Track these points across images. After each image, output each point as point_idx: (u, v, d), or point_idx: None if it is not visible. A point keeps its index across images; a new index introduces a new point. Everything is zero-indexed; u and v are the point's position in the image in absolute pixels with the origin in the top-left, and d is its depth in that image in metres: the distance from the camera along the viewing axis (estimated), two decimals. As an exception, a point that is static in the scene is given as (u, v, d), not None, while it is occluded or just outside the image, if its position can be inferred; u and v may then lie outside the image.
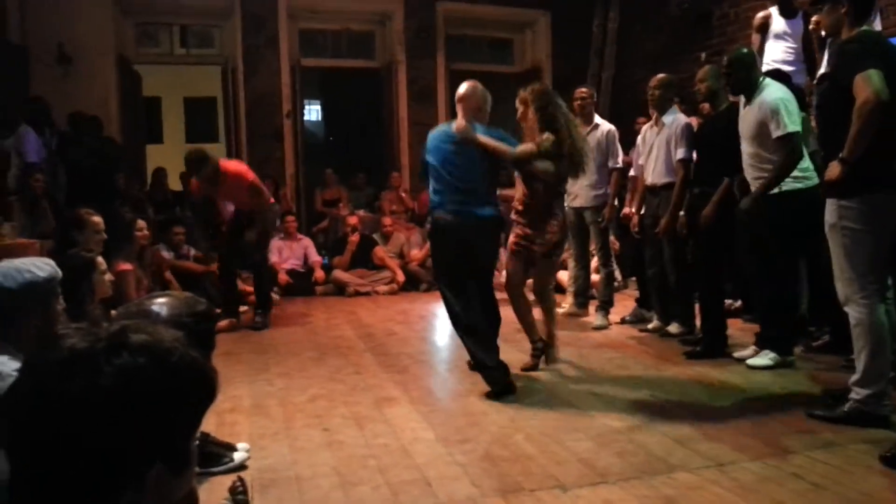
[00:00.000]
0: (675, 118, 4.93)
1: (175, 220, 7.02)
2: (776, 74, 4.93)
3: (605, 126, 5.57)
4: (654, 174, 5.02)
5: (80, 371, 0.86)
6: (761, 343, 4.22)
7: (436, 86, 9.48)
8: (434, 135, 4.12)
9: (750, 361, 4.11)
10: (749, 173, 4.08)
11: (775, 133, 3.84)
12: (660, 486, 2.58)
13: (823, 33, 3.57)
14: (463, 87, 4.11)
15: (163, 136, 16.02)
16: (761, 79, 4.06)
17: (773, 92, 3.95)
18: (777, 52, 5.67)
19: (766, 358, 4.06)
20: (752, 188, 4.09)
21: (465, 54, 10.09)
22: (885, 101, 2.88)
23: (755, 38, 5.88)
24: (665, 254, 4.97)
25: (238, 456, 2.84)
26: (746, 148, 4.04)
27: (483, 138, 3.90)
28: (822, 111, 3.41)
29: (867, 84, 2.91)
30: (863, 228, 3.03)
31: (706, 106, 5.19)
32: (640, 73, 8.80)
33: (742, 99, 4.12)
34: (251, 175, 5.69)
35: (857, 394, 3.15)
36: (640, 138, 5.27)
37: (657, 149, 4.98)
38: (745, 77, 4.05)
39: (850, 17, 3.10)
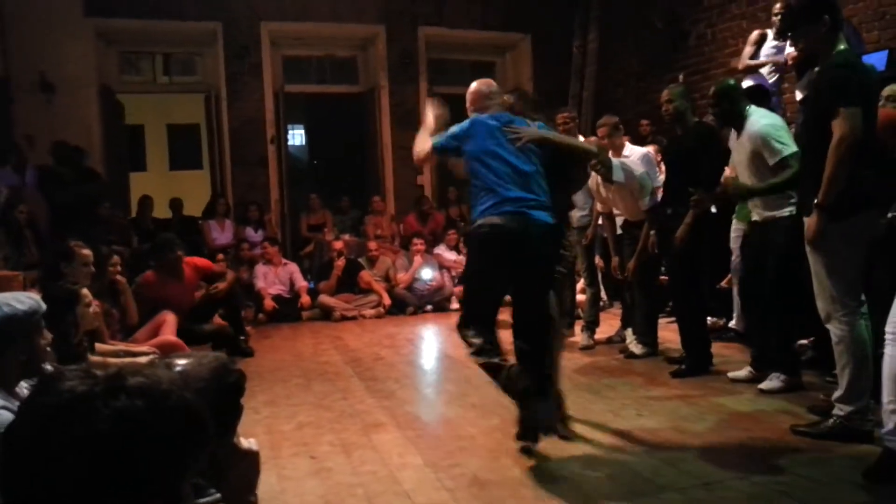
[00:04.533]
0: (630, 154, 5.07)
1: (162, 242, 6.97)
2: (756, 91, 5.03)
3: None
4: (625, 211, 5.11)
5: (79, 415, 0.87)
6: (764, 366, 4.16)
7: (419, 109, 9.54)
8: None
9: (761, 386, 4.03)
10: (757, 205, 4.09)
11: (771, 161, 3.84)
12: (648, 507, 2.59)
13: (794, 57, 3.62)
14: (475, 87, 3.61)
15: (146, 164, 16.01)
16: (747, 108, 4.06)
17: (758, 120, 3.97)
18: (762, 71, 5.83)
19: (776, 381, 4.01)
20: (755, 216, 4.13)
21: (448, 78, 10.17)
22: (860, 140, 2.93)
23: (748, 49, 5.99)
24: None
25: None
26: (745, 178, 4.04)
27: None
28: (804, 135, 3.45)
29: (846, 122, 2.95)
30: (843, 248, 3.08)
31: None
32: (620, 92, 8.94)
33: (733, 131, 4.15)
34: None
35: (840, 410, 3.17)
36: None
37: (619, 189, 5.04)
38: (730, 109, 4.05)
39: (829, 33, 3.13)
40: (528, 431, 3.21)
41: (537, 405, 3.15)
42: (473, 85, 3.60)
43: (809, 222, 3.12)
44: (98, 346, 3.97)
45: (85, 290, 3.55)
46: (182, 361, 1.62)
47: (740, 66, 6.04)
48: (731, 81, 4.36)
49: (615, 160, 4.89)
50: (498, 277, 3.24)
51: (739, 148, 4.05)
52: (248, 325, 6.56)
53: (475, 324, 3.21)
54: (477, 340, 3.17)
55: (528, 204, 3.17)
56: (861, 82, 3.04)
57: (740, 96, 4.14)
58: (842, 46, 3.14)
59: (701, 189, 4.20)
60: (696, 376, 4.40)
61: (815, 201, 3.04)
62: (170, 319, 5.10)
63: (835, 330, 3.16)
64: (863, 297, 3.20)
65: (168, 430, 0.91)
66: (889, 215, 3.53)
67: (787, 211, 3.90)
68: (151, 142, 16.43)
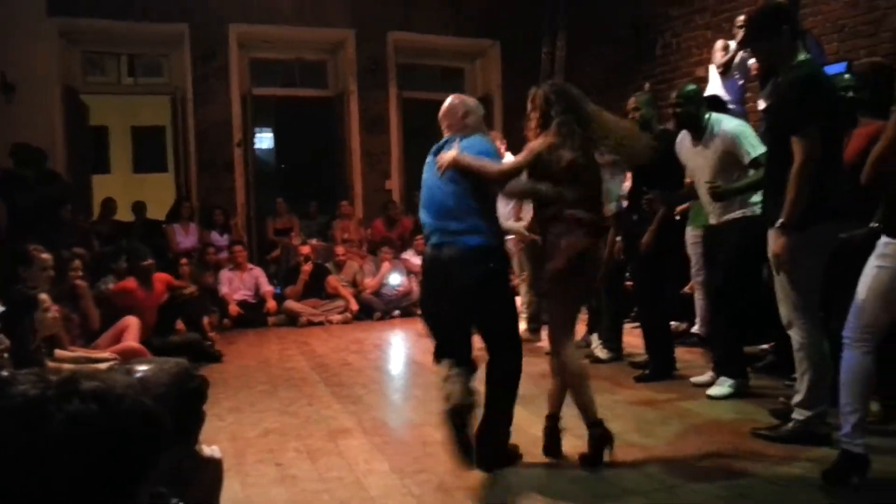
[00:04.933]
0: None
1: (130, 249, 6.86)
2: (713, 100, 5.12)
3: None
4: None
5: (31, 418, 0.86)
6: (718, 371, 4.22)
7: (388, 115, 9.54)
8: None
9: (710, 392, 4.09)
10: (714, 208, 4.14)
11: (746, 158, 3.89)
12: (612, 511, 2.62)
13: (758, 68, 3.69)
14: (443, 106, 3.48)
15: (109, 167, 15.75)
16: (707, 115, 4.13)
17: (729, 122, 4.06)
18: (721, 83, 5.93)
19: (725, 386, 4.07)
20: (712, 219, 4.19)
21: (417, 83, 10.19)
22: (818, 158, 2.99)
23: (719, 54, 6.06)
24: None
25: (187, 495, 2.78)
26: (707, 174, 4.06)
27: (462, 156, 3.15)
28: (766, 144, 3.52)
29: (805, 146, 3.01)
30: (805, 257, 3.14)
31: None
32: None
33: (689, 136, 4.21)
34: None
35: (800, 414, 3.24)
36: None
37: None
38: (694, 113, 4.12)
39: (789, 43, 3.19)
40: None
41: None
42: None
43: (774, 237, 3.17)
44: (57, 352, 3.90)
45: (44, 295, 3.49)
46: (142, 367, 1.60)
47: (717, 65, 6.10)
48: (696, 86, 4.44)
49: None
50: (442, 309, 3.17)
51: (702, 152, 4.10)
52: (213, 330, 6.48)
53: (445, 358, 3.10)
54: (449, 389, 2.98)
55: (452, 231, 3.09)
56: (821, 96, 3.10)
57: (703, 102, 4.23)
58: (802, 56, 3.21)
59: (656, 191, 4.26)
60: (660, 381, 4.45)
61: (781, 220, 3.10)
62: (133, 325, 5.02)
63: (796, 337, 3.22)
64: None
65: (123, 434, 0.91)
66: (869, 225, 3.59)
67: (739, 213, 3.97)
68: (115, 144, 16.18)
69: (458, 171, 3.11)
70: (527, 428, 3.64)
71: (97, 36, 8.67)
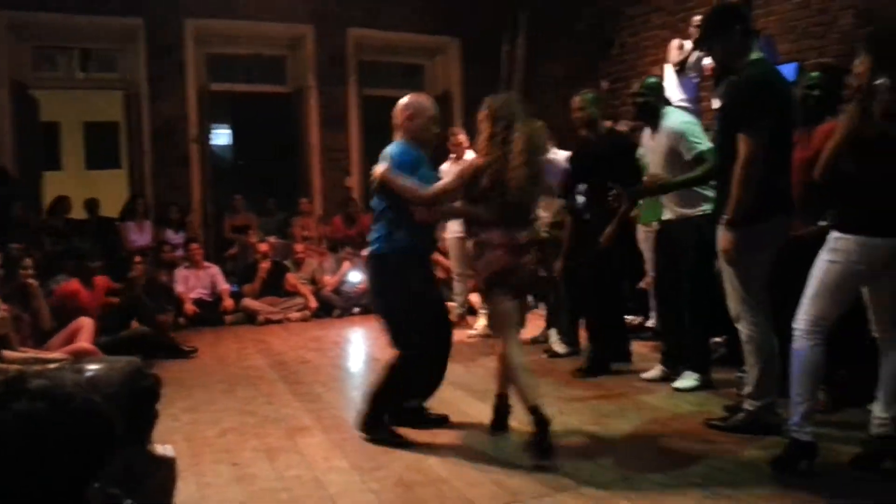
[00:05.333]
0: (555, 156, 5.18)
1: (74, 249, 6.73)
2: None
3: None
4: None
5: None
6: (674, 364, 4.29)
7: (348, 111, 9.49)
8: None
9: (676, 385, 4.15)
10: (669, 204, 4.21)
11: (688, 156, 3.97)
12: (569, 502, 2.66)
13: (713, 67, 3.77)
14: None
15: (61, 163, 15.40)
16: (664, 108, 4.23)
17: (677, 117, 4.15)
18: (678, 83, 6.04)
19: (690, 379, 4.13)
20: (668, 214, 4.26)
21: (377, 80, 10.15)
22: (762, 158, 3.07)
23: (675, 52, 6.14)
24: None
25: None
26: (663, 171, 4.12)
27: (392, 177, 3.39)
28: (718, 143, 3.59)
29: (748, 145, 3.09)
30: (752, 252, 3.22)
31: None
32: (547, 98, 9.10)
33: (647, 130, 4.28)
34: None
35: (750, 405, 3.33)
36: None
37: None
38: (655, 104, 4.20)
39: (741, 43, 3.26)
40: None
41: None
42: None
43: (721, 233, 3.24)
44: (5, 353, 3.80)
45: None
46: (93, 366, 1.57)
47: (672, 63, 6.19)
48: (658, 79, 4.50)
49: None
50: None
51: (655, 146, 4.18)
52: (169, 330, 6.37)
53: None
54: None
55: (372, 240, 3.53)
56: (773, 95, 3.17)
57: (663, 94, 4.30)
58: (755, 56, 3.28)
59: (619, 186, 4.33)
60: (596, 376, 4.54)
61: (727, 218, 3.17)
62: (86, 326, 4.93)
63: (744, 329, 3.30)
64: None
65: (72, 432, 0.90)
66: (819, 223, 3.69)
67: (700, 210, 4.05)
68: (67, 140, 15.83)
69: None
70: (488, 422, 3.66)
71: (48, 30, 8.44)
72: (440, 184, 3.49)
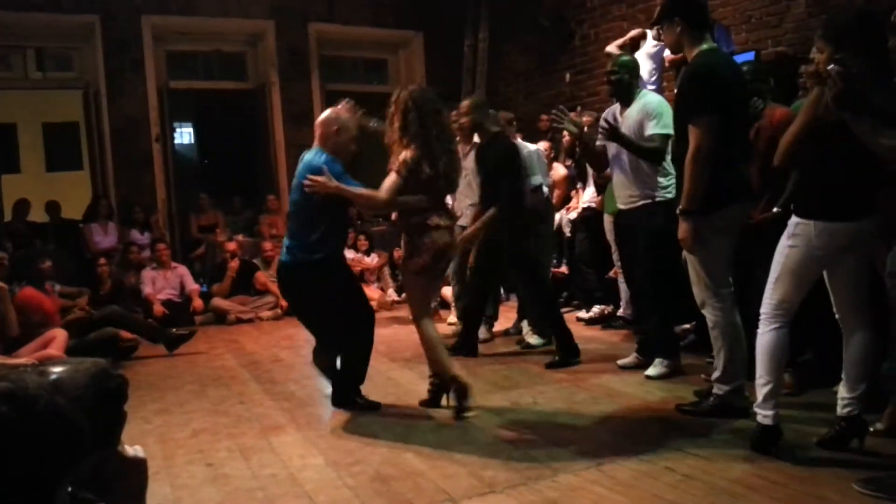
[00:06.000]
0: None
1: (37, 254, 6.60)
2: None
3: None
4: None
5: None
6: (650, 353, 4.32)
7: (312, 107, 9.42)
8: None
9: (647, 373, 4.19)
10: (622, 191, 4.26)
11: (649, 130, 4.02)
12: (545, 490, 2.68)
13: (668, 52, 3.82)
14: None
15: (20, 166, 15.05)
16: (638, 89, 4.27)
17: (655, 97, 4.21)
18: (643, 69, 6.07)
19: (661, 367, 4.18)
20: (620, 204, 4.31)
21: (341, 75, 10.10)
22: (713, 147, 3.15)
23: (620, 40, 6.13)
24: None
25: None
26: (624, 159, 4.18)
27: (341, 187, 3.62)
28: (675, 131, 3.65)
29: (698, 134, 3.17)
30: (713, 239, 3.28)
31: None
32: (511, 91, 9.14)
33: (618, 106, 4.30)
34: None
35: (719, 389, 3.40)
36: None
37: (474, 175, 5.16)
38: (628, 82, 4.22)
39: (687, 34, 3.35)
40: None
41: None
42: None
43: (680, 225, 3.30)
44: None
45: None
46: (57, 369, 1.53)
47: (606, 49, 6.19)
48: (632, 57, 4.52)
49: None
50: None
51: (622, 122, 4.20)
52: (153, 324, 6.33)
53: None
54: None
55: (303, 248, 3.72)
56: (721, 84, 3.22)
57: (638, 72, 4.34)
58: (705, 46, 3.34)
59: (503, 198, 4.62)
60: (568, 366, 4.60)
61: (682, 208, 3.23)
62: (60, 337, 4.87)
63: (710, 315, 3.38)
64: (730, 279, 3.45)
65: (36, 436, 0.88)
66: (774, 209, 3.77)
67: (650, 198, 4.11)
68: (25, 142, 15.46)
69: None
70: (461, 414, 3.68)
71: (1, 28, 8.23)
72: (388, 185, 3.60)
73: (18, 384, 0.92)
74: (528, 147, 5.60)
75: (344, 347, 3.92)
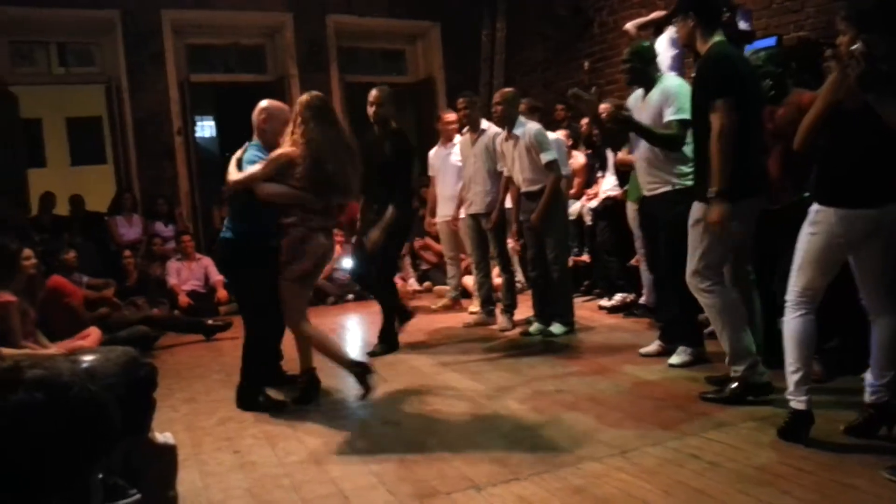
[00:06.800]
0: (525, 129, 5.14)
1: (61, 246, 6.69)
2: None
3: (491, 130, 5.65)
4: (525, 182, 5.19)
5: None
6: (672, 340, 4.31)
7: (330, 98, 9.41)
8: None
9: (671, 361, 4.17)
10: (644, 178, 4.23)
11: (668, 116, 3.96)
12: (569, 478, 2.68)
13: (681, 43, 3.81)
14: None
15: (45, 160, 15.21)
16: (658, 74, 4.21)
17: (675, 81, 4.15)
18: (665, 55, 6.00)
19: (684, 355, 4.16)
20: (644, 191, 4.29)
21: (359, 66, 10.10)
22: (735, 126, 3.17)
23: (642, 20, 6.04)
24: (547, 254, 5.17)
25: (145, 486, 2.75)
26: (644, 144, 4.14)
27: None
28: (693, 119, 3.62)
29: (721, 114, 3.19)
30: (733, 227, 3.28)
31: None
32: (528, 79, 9.09)
33: (640, 92, 4.25)
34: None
35: (735, 371, 3.41)
36: (500, 149, 5.44)
37: (519, 160, 5.16)
38: (642, 69, 4.17)
39: (700, 28, 3.39)
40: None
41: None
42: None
43: (712, 208, 3.28)
44: (2, 350, 3.78)
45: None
46: (88, 357, 1.56)
47: (625, 27, 6.10)
48: (646, 43, 4.46)
49: None
50: None
51: (644, 107, 4.16)
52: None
53: None
54: None
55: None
56: (737, 73, 3.25)
57: (653, 59, 4.26)
58: (717, 38, 3.37)
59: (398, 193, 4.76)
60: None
61: (714, 190, 3.22)
62: (94, 335, 4.94)
63: (703, 300, 3.44)
64: (749, 267, 3.44)
65: (71, 422, 0.89)
66: (795, 198, 3.73)
67: (669, 186, 4.08)
68: (50, 136, 15.60)
69: None
70: (486, 402, 3.70)
71: (24, 24, 8.30)
72: (253, 167, 3.72)
73: (53, 371, 0.93)
74: (550, 136, 5.58)
75: (253, 334, 3.92)
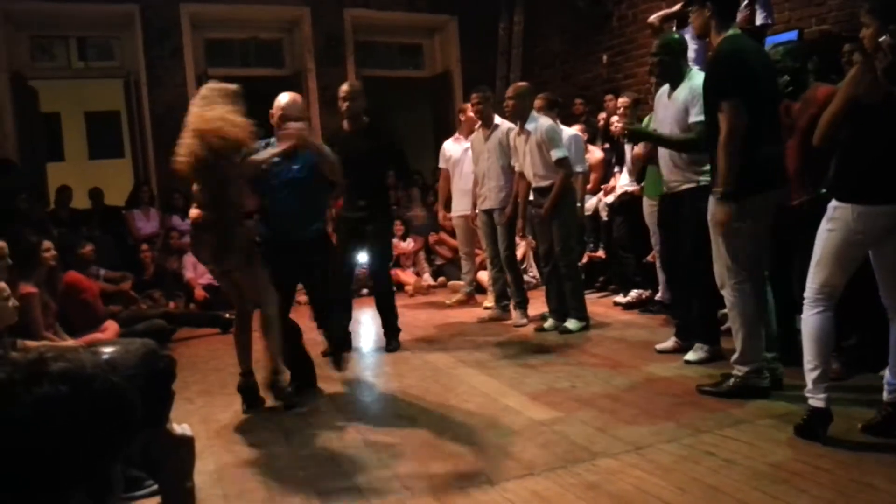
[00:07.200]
0: (537, 124, 5.11)
1: (77, 240, 6.75)
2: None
3: (504, 126, 5.63)
4: (536, 178, 5.17)
5: None
6: (688, 336, 4.28)
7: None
8: None
9: (687, 357, 4.14)
10: (666, 175, 4.19)
11: (693, 117, 3.91)
12: (584, 474, 2.68)
13: (695, 34, 3.78)
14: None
15: (64, 154, 15.37)
16: (688, 69, 4.12)
17: (700, 80, 4.10)
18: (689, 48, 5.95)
19: (701, 352, 4.13)
20: (665, 188, 4.26)
21: (376, 60, 10.11)
22: (742, 128, 3.16)
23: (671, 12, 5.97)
24: (555, 250, 5.16)
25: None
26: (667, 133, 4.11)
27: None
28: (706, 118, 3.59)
29: (728, 116, 3.17)
30: (745, 224, 3.26)
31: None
32: (546, 73, 9.05)
33: (667, 88, 4.18)
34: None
35: (738, 370, 3.41)
36: (513, 144, 5.41)
37: (531, 155, 5.14)
38: (672, 62, 4.08)
39: (716, 19, 3.35)
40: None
41: None
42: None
43: (714, 205, 3.27)
44: (23, 342, 3.83)
45: (2, 284, 3.42)
46: (108, 349, 1.57)
47: (649, 19, 6.04)
48: (676, 35, 4.36)
49: None
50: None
51: (670, 104, 4.11)
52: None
53: None
54: None
55: None
56: (747, 67, 3.22)
57: (683, 52, 4.17)
58: (731, 32, 3.34)
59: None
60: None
61: (719, 191, 3.23)
62: (112, 329, 4.99)
63: (728, 296, 3.40)
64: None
65: (94, 415, 0.90)
66: (812, 194, 3.69)
67: (693, 183, 4.04)
68: (69, 130, 15.76)
69: None
70: (500, 398, 3.70)
71: (44, 19, 8.39)
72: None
73: (76, 363, 0.94)
74: (567, 131, 5.56)
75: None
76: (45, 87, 9.32)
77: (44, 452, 0.86)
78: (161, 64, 8.55)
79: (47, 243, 4.65)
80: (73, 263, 5.73)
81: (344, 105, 4.96)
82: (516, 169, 5.41)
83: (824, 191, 3.64)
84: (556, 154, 4.98)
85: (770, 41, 4.91)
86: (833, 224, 2.78)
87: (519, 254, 6.17)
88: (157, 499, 2.28)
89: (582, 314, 5.24)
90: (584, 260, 6.60)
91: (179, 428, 1.81)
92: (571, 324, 5.20)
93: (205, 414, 3.76)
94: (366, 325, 6.54)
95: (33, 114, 8.73)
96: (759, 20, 5.02)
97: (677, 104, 4.06)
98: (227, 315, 6.21)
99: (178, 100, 8.63)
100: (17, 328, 3.87)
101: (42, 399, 0.87)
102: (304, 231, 3.94)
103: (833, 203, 2.80)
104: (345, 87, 4.99)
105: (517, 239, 5.77)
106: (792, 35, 5.51)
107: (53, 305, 4.59)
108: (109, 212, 8.45)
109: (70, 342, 4.21)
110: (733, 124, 3.16)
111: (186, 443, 1.79)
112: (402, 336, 5.23)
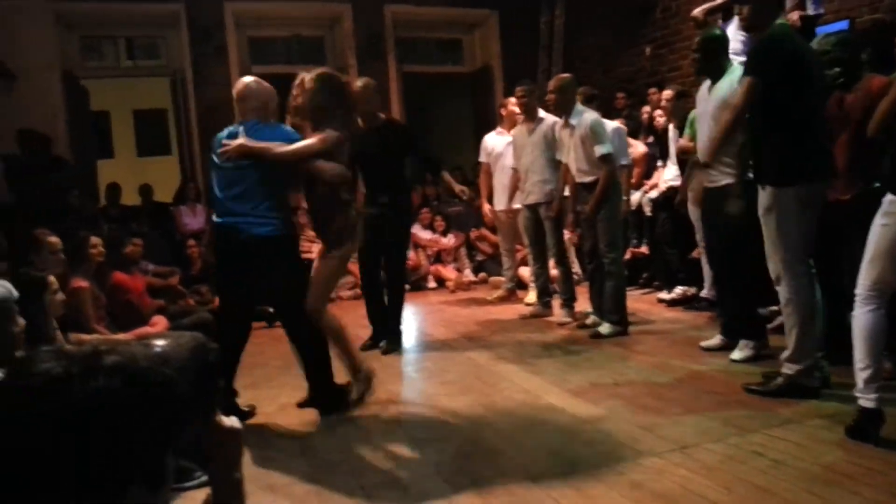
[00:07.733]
0: (582, 118, 5.05)
1: (121, 239, 6.88)
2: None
3: (549, 119, 5.59)
4: (579, 173, 5.12)
5: (55, 397, 0.86)
6: (734, 334, 4.21)
7: (389, 89, 9.49)
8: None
9: (733, 356, 4.07)
10: (713, 170, 4.11)
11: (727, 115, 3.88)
12: (628, 472, 2.65)
13: (742, 27, 3.73)
14: (237, 88, 3.96)
15: (113, 151, 15.75)
16: (728, 63, 4.07)
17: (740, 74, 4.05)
18: (735, 40, 5.83)
19: (746, 349, 4.06)
20: (707, 183, 4.20)
21: (416, 56, 10.13)
22: (746, 109, 3.23)
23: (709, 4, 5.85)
24: (600, 247, 5.08)
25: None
26: (705, 128, 4.06)
27: (251, 143, 3.64)
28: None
29: (743, 91, 3.21)
30: (795, 214, 3.19)
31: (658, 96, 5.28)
32: (588, 67, 8.97)
33: (709, 83, 4.14)
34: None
35: (789, 369, 3.33)
36: (559, 137, 5.37)
37: (575, 150, 5.09)
38: (712, 59, 4.05)
39: (761, 13, 3.32)
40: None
41: None
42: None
43: (762, 194, 3.24)
44: (77, 336, 3.94)
45: (52, 278, 3.51)
46: (160, 342, 1.60)
47: (692, 14, 5.92)
48: (718, 31, 4.30)
49: None
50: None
51: (710, 98, 4.06)
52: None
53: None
54: None
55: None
56: (785, 56, 3.18)
57: (723, 48, 4.11)
58: (777, 22, 3.30)
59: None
60: None
61: (694, 159, 3.27)
62: (161, 324, 5.09)
63: (783, 291, 3.32)
64: (811, 261, 3.34)
65: (148, 408, 0.91)
66: (865, 187, 3.60)
67: (732, 178, 3.98)
68: (118, 128, 16.16)
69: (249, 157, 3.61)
70: (543, 394, 3.69)
71: (94, 19, 8.61)
72: (304, 143, 3.68)
73: (129, 357, 0.95)
74: (609, 124, 5.50)
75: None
76: (94, 86, 9.55)
77: (102, 446, 0.87)
78: (206, 62, 8.69)
79: (95, 239, 4.76)
80: (117, 264, 5.85)
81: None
82: (563, 162, 5.37)
83: (878, 184, 3.55)
84: (600, 150, 4.91)
85: (820, 31, 4.79)
86: (888, 219, 2.71)
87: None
88: (208, 489, 2.33)
89: (617, 318, 5.02)
90: (628, 256, 6.53)
91: (228, 420, 1.84)
92: (605, 328, 5.00)
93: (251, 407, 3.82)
94: (406, 321, 6.58)
95: (84, 112, 8.95)
96: (809, 10, 4.90)
97: (716, 98, 4.01)
98: (271, 309, 6.30)
99: (224, 97, 8.78)
100: (69, 321, 3.97)
101: (98, 393, 0.88)
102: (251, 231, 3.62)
103: (889, 197, 2.72)
104: (358, 84, 4.92)
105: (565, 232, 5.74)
106: (843, 25, 5.36)
107: (103, 299, 4.70)
108: (158, 208, 8.63)
109: (122, 336, 4.31)
110: (743, 101, 3.23)
111: (234, 435, 1.82)
112: (445, 332, 5.24)
